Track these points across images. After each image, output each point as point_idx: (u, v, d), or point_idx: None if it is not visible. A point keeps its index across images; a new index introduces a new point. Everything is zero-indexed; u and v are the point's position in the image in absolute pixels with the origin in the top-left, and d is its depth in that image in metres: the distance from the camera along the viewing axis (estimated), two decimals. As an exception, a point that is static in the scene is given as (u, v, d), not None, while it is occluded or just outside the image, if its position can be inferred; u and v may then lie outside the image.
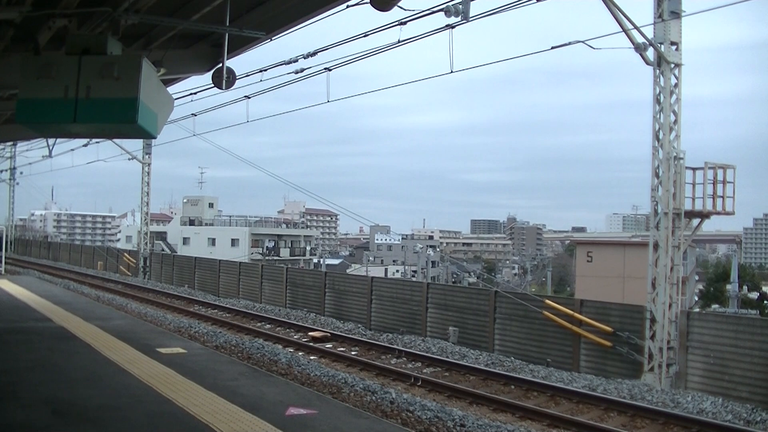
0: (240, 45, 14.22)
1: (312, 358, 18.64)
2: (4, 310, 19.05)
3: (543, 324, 19.48)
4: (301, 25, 13.67)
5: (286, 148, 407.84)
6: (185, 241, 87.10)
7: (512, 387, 16.16)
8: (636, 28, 16.32)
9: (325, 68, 18.11)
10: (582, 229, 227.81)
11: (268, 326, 24.63)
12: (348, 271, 73.50)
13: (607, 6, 15.98)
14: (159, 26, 12.78)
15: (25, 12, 10.87)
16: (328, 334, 22.18)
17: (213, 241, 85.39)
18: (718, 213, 17.74)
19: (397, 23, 14.67)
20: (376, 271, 76.85)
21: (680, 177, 16.95)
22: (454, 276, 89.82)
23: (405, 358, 19.09)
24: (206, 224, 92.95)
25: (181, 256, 50.72)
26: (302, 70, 18.27)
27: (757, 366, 15.35)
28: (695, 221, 17.87)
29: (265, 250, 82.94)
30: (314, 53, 17.46)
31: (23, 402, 9.49)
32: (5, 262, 36.10)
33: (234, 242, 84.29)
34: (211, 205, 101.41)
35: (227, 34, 12.63)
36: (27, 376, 11.11)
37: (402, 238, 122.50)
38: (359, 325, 24.63)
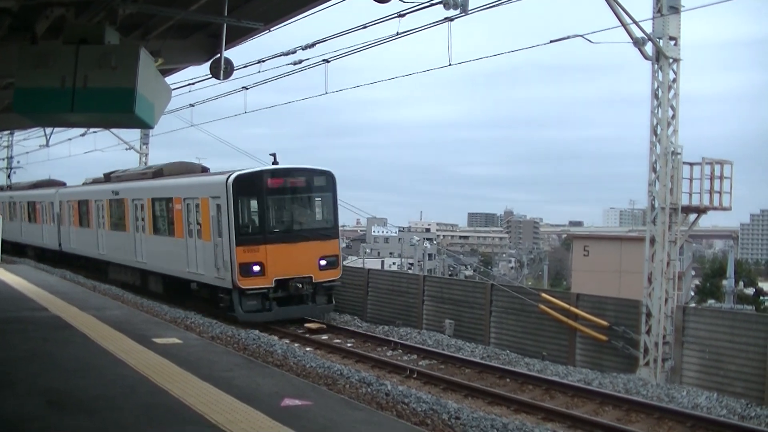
0: (238, 36, 14.19)
1: (308, 349, 18.67)
2: (-1, 299, 19.05)
3: (539, 318, 19.49)
4: (299, 16, 13.66)
5: (284, 140, 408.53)
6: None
7: (507, 380, 16.19)
8: (635, 22, 16.30)
9: (323, 60, 18.11)
10: (579, 223, 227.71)
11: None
12: (344, 262, 73.40)
13: (606, 0, 15.94)
14: (157, 16, 12.73)
15: (23, 1, 10.83)
16: (324, 326, 22.17)
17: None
18: (715, 208, 17.77)
19: (395, 15, 14.66)
20: (373, 263, 76.88)
21: (677, 172, 16.96)
22: (451, 269, 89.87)
23: (401, 351, 19.12)
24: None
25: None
26: (300, 62, 18.27)
27: (752, 362, 15.38)
28: (692, 216, 17.91)
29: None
30: (313, 45, 17.46)
31: (18, 392, 9.50)
32: (1, 251, 35.76)
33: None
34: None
35: (225, 25, 12.59)
36: (22, 366, 11.11)
37: (399, 231, 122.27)
38: (355, 317, 24.61)
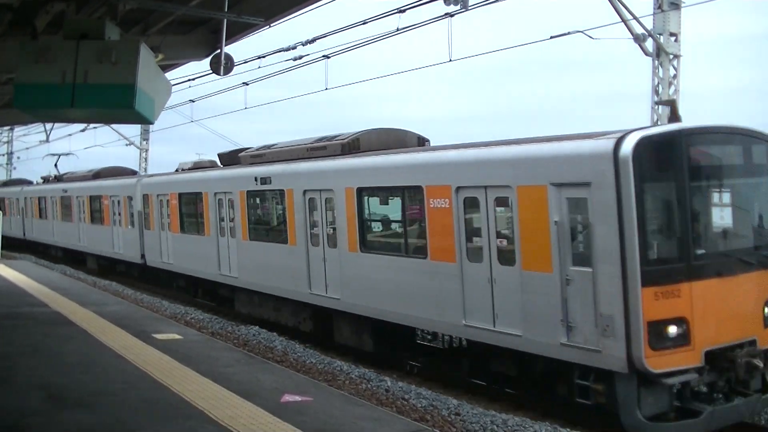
0: (238, 31, 14.19)
1: (308, 345, 18.61)
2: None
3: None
4: (299, 11, 13.69)
5: (284, 136, 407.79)
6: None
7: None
8: (635, 18, 16.27)
9: (323, 55, 18.14)
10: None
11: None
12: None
13: (607, -4, 15.91)
14: (157, 11, 12.75)
15: (23, -4, 10.83)
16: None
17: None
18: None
19: (396, 11, 14.69)
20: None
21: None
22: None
23: (401, 347, 18.97)
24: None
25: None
26: (300, 57, 18.28)
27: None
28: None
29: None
30: (313, 40, 17.48)
31: (18, 387, 9.52)
32: (2, 247, 35.40)
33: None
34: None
35: (225, 20, 12.60)
36: (22, 361, 11.13)
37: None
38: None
